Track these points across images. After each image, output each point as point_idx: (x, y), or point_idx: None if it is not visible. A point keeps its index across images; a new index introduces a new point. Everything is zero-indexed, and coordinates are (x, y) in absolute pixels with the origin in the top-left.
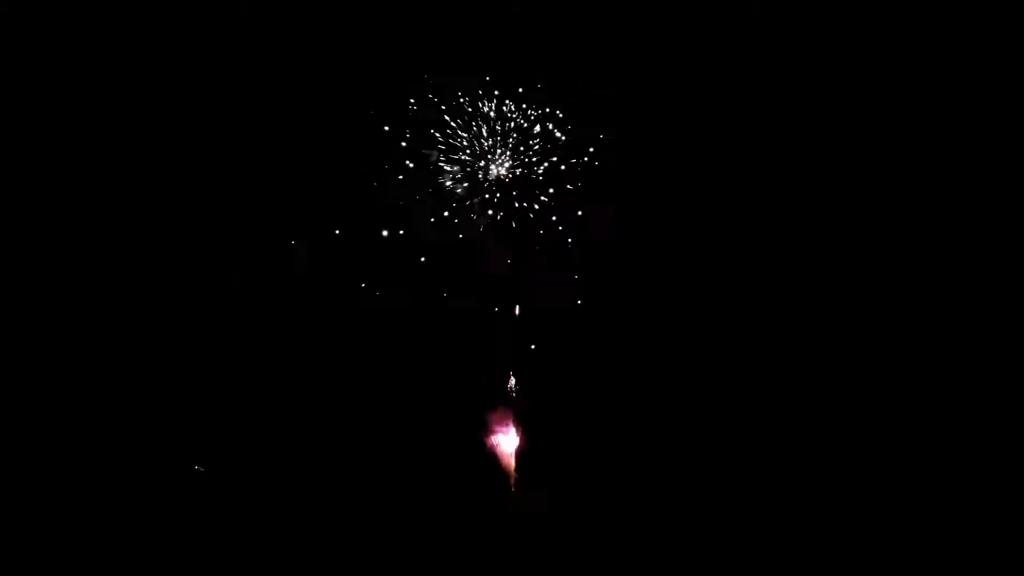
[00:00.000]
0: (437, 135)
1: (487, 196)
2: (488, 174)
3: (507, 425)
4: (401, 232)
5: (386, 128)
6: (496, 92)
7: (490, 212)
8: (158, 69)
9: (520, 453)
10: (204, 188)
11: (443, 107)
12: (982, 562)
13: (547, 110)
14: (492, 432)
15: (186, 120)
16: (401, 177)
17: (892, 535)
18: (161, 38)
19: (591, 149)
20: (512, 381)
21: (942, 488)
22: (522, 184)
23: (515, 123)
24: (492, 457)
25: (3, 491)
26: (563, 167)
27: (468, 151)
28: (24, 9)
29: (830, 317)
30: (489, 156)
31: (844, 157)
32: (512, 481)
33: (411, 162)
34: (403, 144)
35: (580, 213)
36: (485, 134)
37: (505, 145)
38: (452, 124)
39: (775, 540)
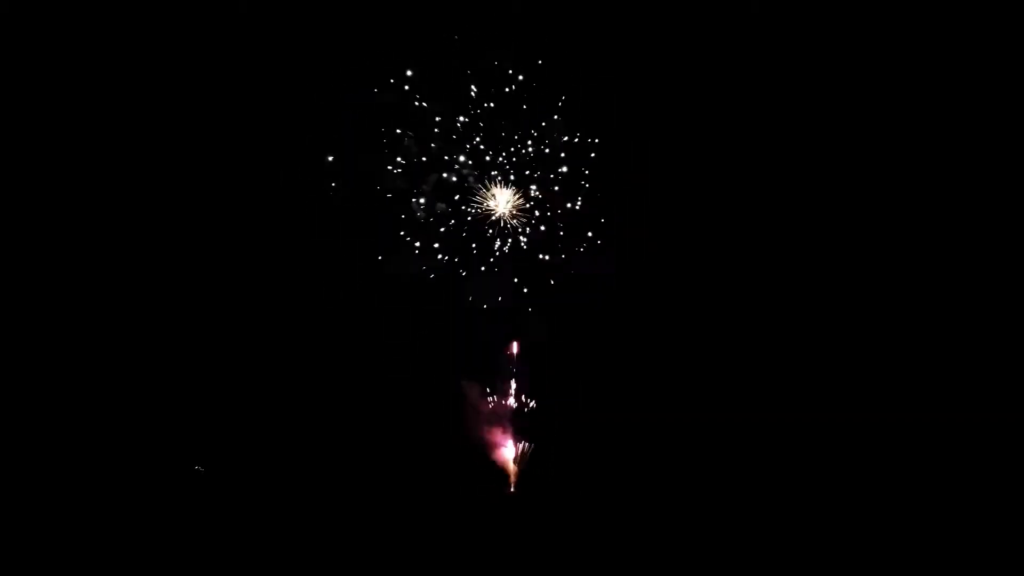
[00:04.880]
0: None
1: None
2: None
3: (507, 425)
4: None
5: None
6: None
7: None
8: (153, 67)
9: (519, 452)
10: (202, 187)
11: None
12: (982, 562)
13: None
14: (491, 432)
15: (183, 119)
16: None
17: (892, 535)
18: (155, 37)
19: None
20: (512, 382)
21: (942, 488)
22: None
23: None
24: (491, 456)
25: (4, 491)
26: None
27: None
28: (24, 9)
29: (830, 319)
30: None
31: (844, 157)
32: (511, 479)
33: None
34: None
35: (580, 211)
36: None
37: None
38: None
39: (775, 540)
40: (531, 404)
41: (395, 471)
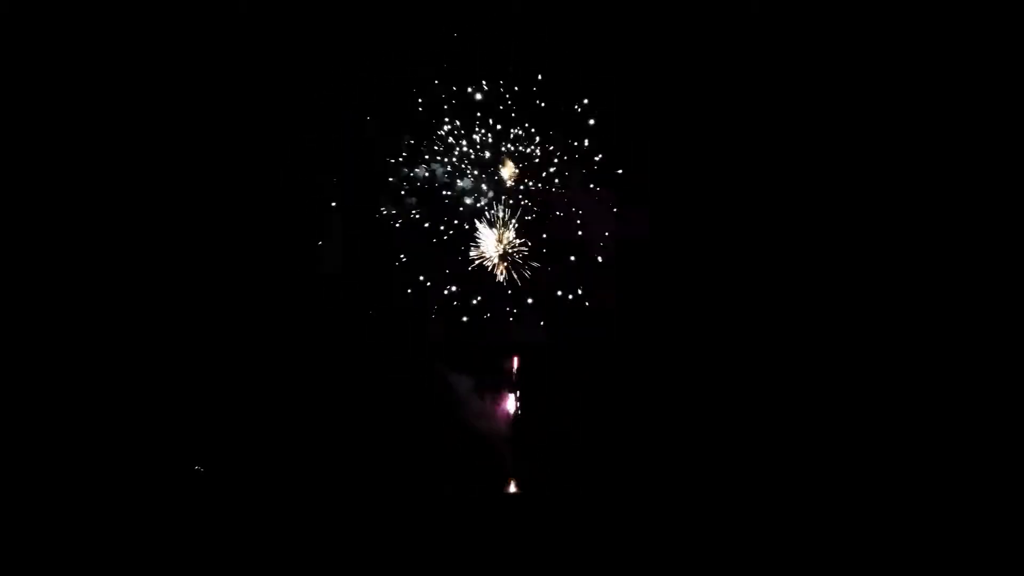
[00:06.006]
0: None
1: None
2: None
3: (506, 422)
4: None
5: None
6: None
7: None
8: (154, 68)
9: (518, 450)
10: (202, 188)
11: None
12: (982, 562)
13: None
14: (491, 429)
15: (184, 120)
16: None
17: (891, 535)
18: (156, 37)
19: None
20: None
21: (942, 488)
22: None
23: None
24: (490, 454)
25: (4, 491)
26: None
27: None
28: (24, 9)
29: (830, 320)
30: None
31: (845, 157)
32: (510, 479)
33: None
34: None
35: (581, 213)
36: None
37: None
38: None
39: (774, 539)
40: (528, 401)
41: (394, 471)
